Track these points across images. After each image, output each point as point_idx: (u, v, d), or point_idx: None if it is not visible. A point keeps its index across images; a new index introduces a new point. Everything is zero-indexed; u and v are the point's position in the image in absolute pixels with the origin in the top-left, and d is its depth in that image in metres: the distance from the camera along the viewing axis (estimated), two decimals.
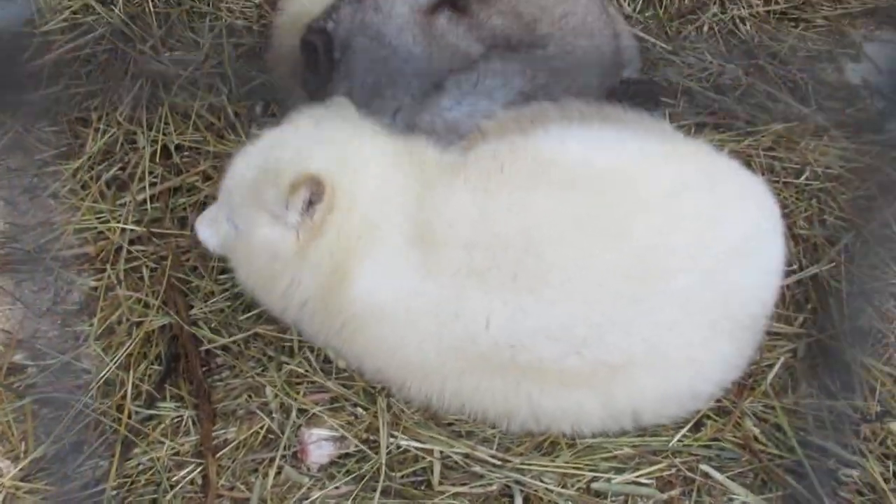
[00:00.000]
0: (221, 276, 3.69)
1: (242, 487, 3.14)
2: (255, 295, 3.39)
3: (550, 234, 3.14)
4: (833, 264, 3.72)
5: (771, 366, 3.44)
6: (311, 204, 3.16)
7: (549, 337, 3.10)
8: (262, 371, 3.42)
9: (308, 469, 3.17)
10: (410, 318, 3.17)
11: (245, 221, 3.28)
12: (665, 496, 3.13)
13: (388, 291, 3.19)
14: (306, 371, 3.41)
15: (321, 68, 3.81)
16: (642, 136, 3.50)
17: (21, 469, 3.15)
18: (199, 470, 3.16)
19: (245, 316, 3.57)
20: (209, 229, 3.39)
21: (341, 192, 3.16)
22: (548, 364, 3.11)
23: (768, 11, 4.75)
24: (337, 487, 3.13)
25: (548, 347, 3.11)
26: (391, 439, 3.20)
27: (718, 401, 3.33)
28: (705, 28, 4.67)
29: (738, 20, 4.69)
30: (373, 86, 3.77)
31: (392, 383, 3.33)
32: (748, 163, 3.96)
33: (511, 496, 3.12)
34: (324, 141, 3.27)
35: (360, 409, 3.31)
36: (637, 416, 3.24)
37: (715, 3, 4.75)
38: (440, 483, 3.12)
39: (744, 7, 4.73)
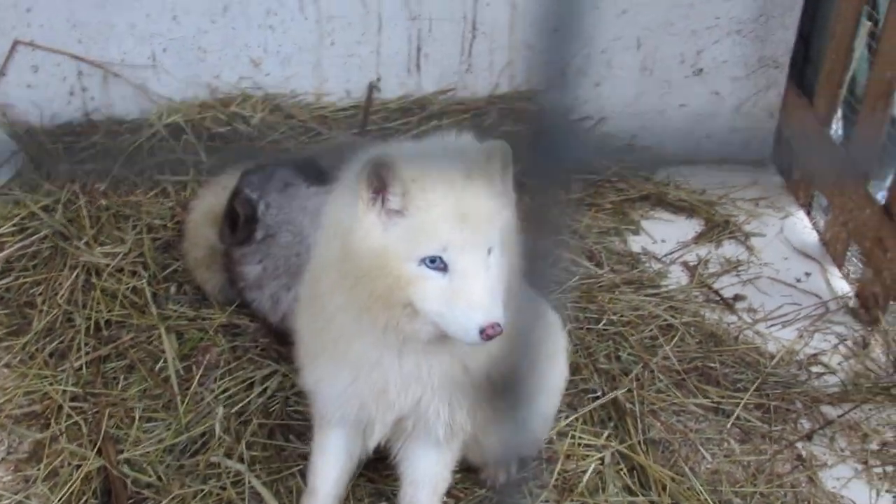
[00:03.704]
0: (147, 425, 3.64)
1: None
2: None
3: None
4: (627, 390, 3.84)
5: (585, 471, 3.50)
6: None
7: None
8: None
9: None
10: None
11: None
12: None
13: None
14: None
15: (239, 234, 3.84)
16: None
17: None
18: None
19: (170, 458, 3.51)
20: (501, 310, 2.47)
21: None
22: None
23: (568, 198, 4.90)
24: None
25: None
26: None
27: (546, 501, 3.38)
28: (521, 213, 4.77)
29: (545, 206, 4.81)
30: (284, 270, 3.81)
31: None
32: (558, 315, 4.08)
33: None
34: None
35: None
36: None
37: (528, 195, 4.85)
38: None
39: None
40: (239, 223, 3.85)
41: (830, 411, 3.87)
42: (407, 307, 2.51)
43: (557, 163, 1.40)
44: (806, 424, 3.83)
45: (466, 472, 3.33)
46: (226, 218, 3.91)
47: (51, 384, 3.75)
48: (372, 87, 5.27)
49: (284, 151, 4.88)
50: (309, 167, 3.99)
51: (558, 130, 1.43)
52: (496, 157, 2.52)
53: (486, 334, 2.43)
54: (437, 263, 2.45)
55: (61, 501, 3.32)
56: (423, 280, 2.47)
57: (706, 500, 3.44)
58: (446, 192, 2.46)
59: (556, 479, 3.47)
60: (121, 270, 4.22)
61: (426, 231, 2.44)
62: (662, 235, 4.83)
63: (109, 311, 4.03)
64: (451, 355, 2.70)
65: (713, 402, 3.87)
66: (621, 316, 4.20)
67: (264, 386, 3.77)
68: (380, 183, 2.47)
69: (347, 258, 2.59)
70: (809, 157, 5.01)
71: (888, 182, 4.48)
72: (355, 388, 2.78)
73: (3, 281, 4.16)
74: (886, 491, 3.58)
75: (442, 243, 2.44)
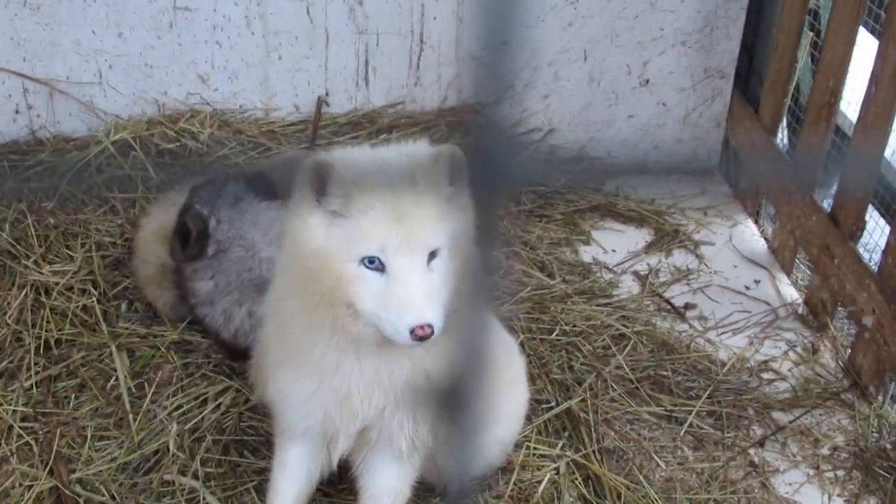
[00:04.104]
0: (99, 443, 3.62)
1: None
2: None
3: None
4: (581, 400, 3.87)
5: (540, 481, 3.53)
6: None
7: None
8: None
9: None
10: None
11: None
12: None
13: None
14: None
15: (190, 250, 3.82)
16: None
17: None
18: None
19: (123, 477, 3.49)
20: (438, 313, 2.50)
21: None
22: None
23: (519, 210, 4.95)
24: None
25: None
26: None
27: None
28: None
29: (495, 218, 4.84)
30: (236, 286, 3.80)
31: None
32: (511, 325, 4.09)
33: None
34: None
35: None
36: None
37: None
38: None
39: (499, 210, 4.89)
40: (190, 239, 3.84)
41: (782, 417, 3.94)
42: (350, 307, 2.56)
43: (504, 176, 1.42)
44: (758, 431, 3.89)
45: (420, 481, 3.33)
46: (176, 234, 3.90)
47: (0, 404, 3.71)
48: (320, 102, 5.28)
49: (234, 167, 4.87)
50: (259, 181, 4.01)
51: (502, 143, 1.44)
52: (443, 161, 2.56)
53: (416, 335, 2.46)
54: (375, 264, 2.50)
55: None
56: (362, 280, 2.51)
57: None
58: (385, 194, 2.52)
59: (512, 490, 3.49)
60: (70, 289, 4.19)
61: (364, 232, 2.49)
62: (613, 245, 4.88)
63: (59, 330, 4.01)
64: (411, 360, 2.73)
65: (666, 411, 3.92)
66: (574, 326, 4.24)
67: (218, 402, 3.77)
68: (322, 185, 2.53)
69: (296, 260, 2.67)
70: (756, 166, 5.08)
71: (833, 190, 4.57)
72: (319, 396, 2.79)
73: None
74: (838, 495, 3.65)
75: (379, 244, 2.48)
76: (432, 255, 2.53)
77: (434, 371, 2.76)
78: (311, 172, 2.54)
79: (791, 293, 4.65)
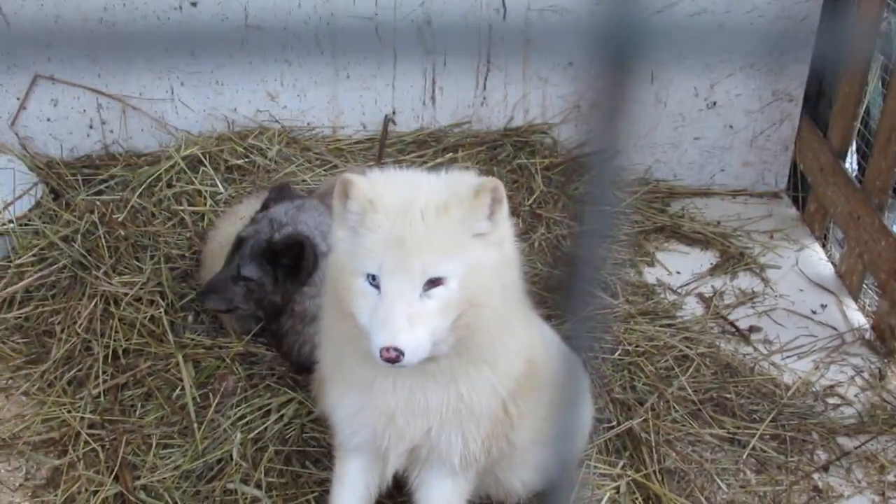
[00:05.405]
0: (164, 451, 3.69)
1: None
2: None
3: None
4: (643, 419, 3.87)
5: (600, 500, 3.53)
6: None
7: None
8: None
9: None
10: None
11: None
12: None
13: None
14: None
15: (304, 270, 3.85)
16: None
17: None
18: None
19: (186, 484, 3.56)
20: (416, 340, 2.54)
21: None
22: None
23: (583, 231, 4.94)
24: None
25: None
26: None
27: None
28: (536, 244, 4.81)
29: (560, 238, 4.87)
30: None
31: None
32: (573, 345, 4.09)
33: None
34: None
35: None
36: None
37: (543, 226, 4.92)
38: None
39: (563, 228, 4.92)
40: (306, 266, 3.85)
41: (847, 443, 3.89)
42: (353, 319, 2.65)
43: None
44: (822, 455, 3.84)
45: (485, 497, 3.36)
46: (283, 267, 3.89)
47: (69, 411, 3.80)
48: (387, 120, 5.34)
49: (301, 184, 4.94)
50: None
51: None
52: (485, 194, 2.63)
53: (383, 356, 2.52)
54: (376, 281, 2.60)
55: None
56: (364, 295, 2.61)
57: None
58: (395, 217, 2.61)
59: None
60: (139, 299, 4.28)
61: (367, 249, 2.61)
62: (677, 267, 4.86)
63: (127, 340, 4.10)
64: (437, 384, 2.79)
65: (729, 433, 3.89)
66: (637, 346, 4.23)
67: (281, 413, 3.82)
68: (346, 201, 2.68)
69: (328, 267, 2.86)
70: (824, 190, 5.05)
71: None
72: (365, 415, 2.88)
73: (23, 310, 4.24)
74: None
75: (377, 263, 2.58)
76: (435, 282, 2.57)
77: (469, 396, 2.82)
78: (339, 189, 2.69)
79: (858, 318, 4.60)
